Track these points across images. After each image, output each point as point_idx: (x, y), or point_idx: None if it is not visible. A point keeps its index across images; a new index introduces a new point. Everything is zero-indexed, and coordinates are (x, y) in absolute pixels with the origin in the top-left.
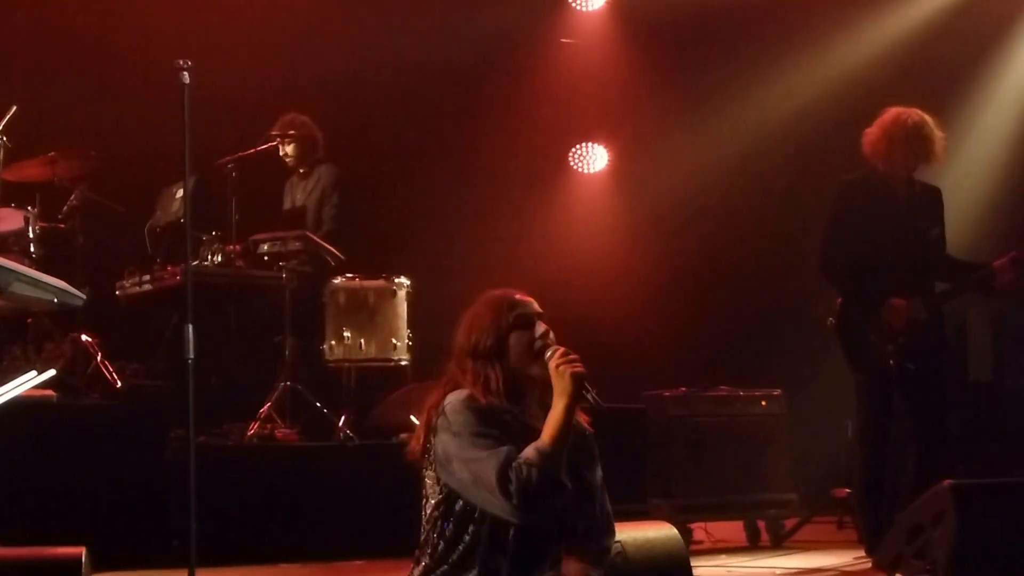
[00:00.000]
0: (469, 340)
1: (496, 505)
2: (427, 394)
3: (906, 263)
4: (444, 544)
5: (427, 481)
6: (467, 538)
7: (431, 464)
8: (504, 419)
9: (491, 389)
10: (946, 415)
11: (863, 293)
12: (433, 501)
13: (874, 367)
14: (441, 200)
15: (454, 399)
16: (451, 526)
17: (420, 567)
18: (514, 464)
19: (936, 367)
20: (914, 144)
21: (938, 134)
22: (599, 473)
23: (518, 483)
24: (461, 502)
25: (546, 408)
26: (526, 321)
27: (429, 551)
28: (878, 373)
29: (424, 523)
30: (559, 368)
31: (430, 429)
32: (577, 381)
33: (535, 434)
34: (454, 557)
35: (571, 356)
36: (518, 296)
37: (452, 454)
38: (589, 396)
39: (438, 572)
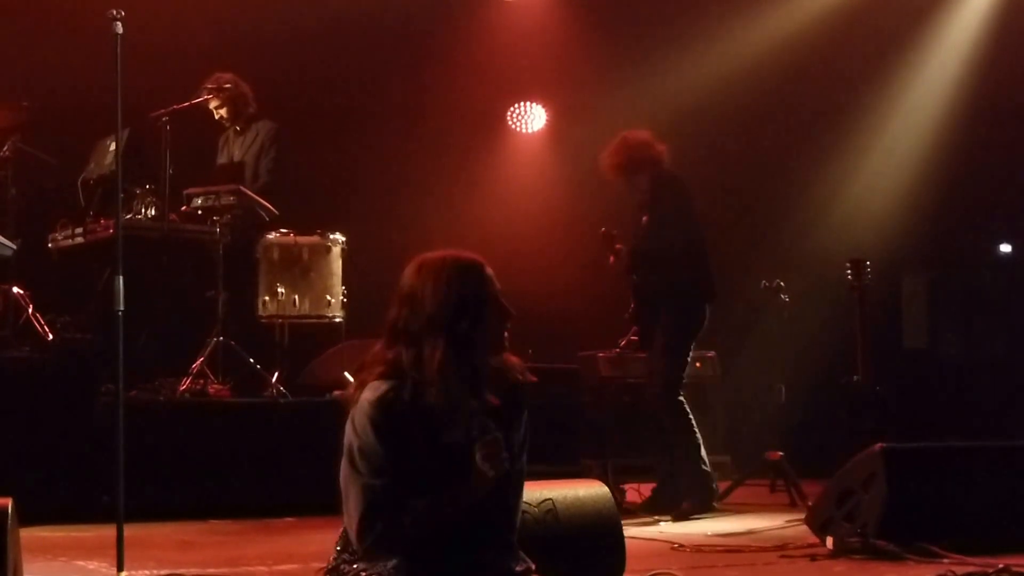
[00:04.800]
0: (443, 312)
1: (348, 525)
2: (365, 352)
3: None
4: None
5: None
6: None
7: None
8: (416, 424)
9: (434, 374)
10: (652, 367)
11: None
12: None
13: None
14: (377, 158)
15: (366, 396)
16: None
17: (337, 541)
18: (384, 510)
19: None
20: (635, 159)
21: (644, 135)
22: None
23: (381, 534)
24: None
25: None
26: (499, 303)
27: (343, 528)
28: None
29: None
30: (485, 462)
31: (349, 404)
32: (494, 480)
33: (454, 424)
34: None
35: (500, 453)
36: (485, 268)
37: (344, 449)
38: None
39: (342, 557)
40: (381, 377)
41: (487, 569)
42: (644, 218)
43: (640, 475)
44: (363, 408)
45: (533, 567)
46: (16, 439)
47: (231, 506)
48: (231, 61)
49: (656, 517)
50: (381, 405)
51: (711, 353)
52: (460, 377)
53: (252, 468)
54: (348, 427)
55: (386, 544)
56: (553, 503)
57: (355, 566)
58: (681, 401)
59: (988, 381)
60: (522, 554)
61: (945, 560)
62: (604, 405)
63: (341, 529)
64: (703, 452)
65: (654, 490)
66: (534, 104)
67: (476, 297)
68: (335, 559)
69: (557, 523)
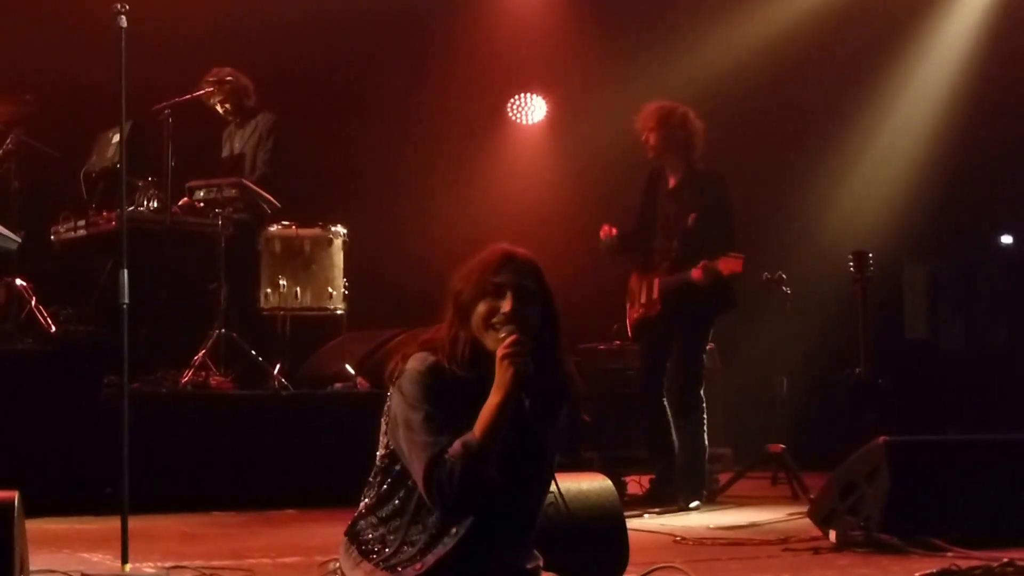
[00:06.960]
0: (456, 286)
1: (419, 485)
2: (366, 344)
3: (658, 245)
4: (377, 497)
5: (382, 424)
6: (396, 502)
7: (387, 411)
8: (461, 394)
9: (457, 353)
10: (678, 370)
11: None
12: (380, 451)
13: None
14: (379, 150)
15: (414, 366)
16: (387, 485)
17: (360, 505)
18: (441, 460)
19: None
20: (680, 138)
21: (700, 125)
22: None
23: (438, 484)
24: (400, 465)
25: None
26: (501, 291)
27: (367, 495)
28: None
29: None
30: (502, 359)
31: (392, 377)
32: (516, 378)
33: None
34: (382, 513)
35: (519, 348)
36: (520, 258)
37: (399, 420)
38: (526, 403)
39: (367, 521)
40: (423, 350)
41: (502, 565)
42: (693, 217)
43: (641, 467)
44: (411, 376)
45: (542, 563)
46: (20, 432)
47: (234, 498)
48: (233, 54)
49: (643, 510)
50: (432, 371)
51: (712, 345)
52: (462, 346)
53: (254, 460)
54: (397, 397)
55: (446, 496)
56: (556, 497)
57: (385, 550)
58: (700, 397)
59: (989, 372)
60: (534, 550)
61: (949, 554)
62: (605, 397)
63: (360, 507)
64: (706, 455)
65: (652, 482)
66: (534, 96)
67: (483, 274)
68: (356, 525)
69: (560, 517)
